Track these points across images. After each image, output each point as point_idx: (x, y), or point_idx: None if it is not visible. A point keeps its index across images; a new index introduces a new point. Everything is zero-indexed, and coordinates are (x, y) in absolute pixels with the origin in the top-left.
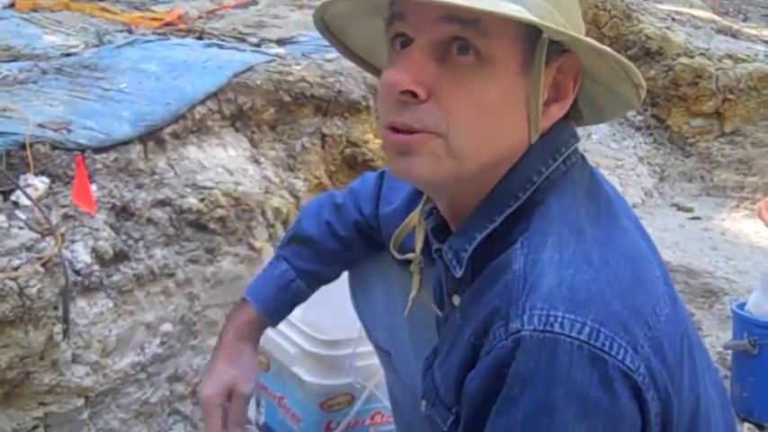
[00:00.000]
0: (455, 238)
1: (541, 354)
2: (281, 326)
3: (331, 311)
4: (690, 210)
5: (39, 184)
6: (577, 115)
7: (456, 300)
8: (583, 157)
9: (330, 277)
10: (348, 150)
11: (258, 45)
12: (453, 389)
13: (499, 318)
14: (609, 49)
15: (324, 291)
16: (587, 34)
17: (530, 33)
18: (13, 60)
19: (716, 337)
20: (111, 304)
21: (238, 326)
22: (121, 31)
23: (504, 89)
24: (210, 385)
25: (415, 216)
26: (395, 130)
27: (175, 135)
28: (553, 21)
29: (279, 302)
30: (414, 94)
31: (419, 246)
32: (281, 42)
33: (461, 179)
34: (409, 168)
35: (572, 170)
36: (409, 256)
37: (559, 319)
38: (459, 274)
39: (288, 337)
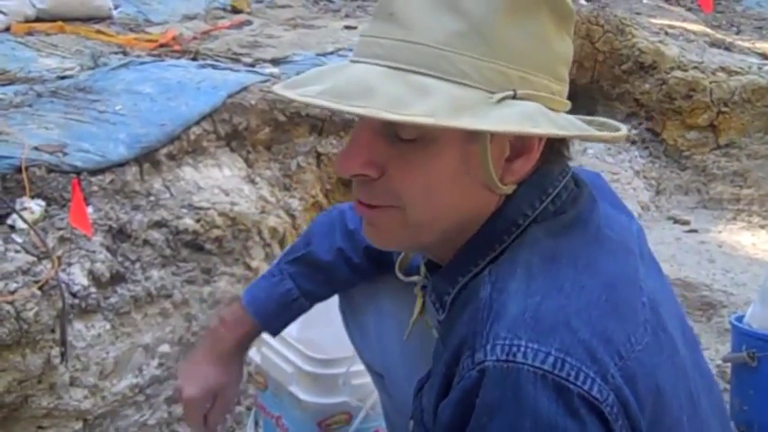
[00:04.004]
0: (439, 279)
1: (506, 384)
2: (278, 345)
3: (327, 330)
4: (686, 222)
5: (35, 207)
6: (564, 148)
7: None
8: (579, 187)
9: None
10: None
11: (252, 65)
12: (432, 416)
13: (467, 348)
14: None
15: (320, 309)
16: (581, 50)
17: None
18: (9, 84)
19: (714, 351)
20: (108, 326)
21: (236, 336)
22: (116, 53)
23: (452, 163)
24: (196, 387)
25: None
26: (360, 202)
27: (171, 156)
28: (502, 82)
29: (280, 319)
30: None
31: (424, 269)
32: (275, 62)
33: (424, 245)
34: (375, 238)
35: (564, 207)
36: (414, 278)
37: (522, 349)
38: (441, 317)
39: (284, 356)
